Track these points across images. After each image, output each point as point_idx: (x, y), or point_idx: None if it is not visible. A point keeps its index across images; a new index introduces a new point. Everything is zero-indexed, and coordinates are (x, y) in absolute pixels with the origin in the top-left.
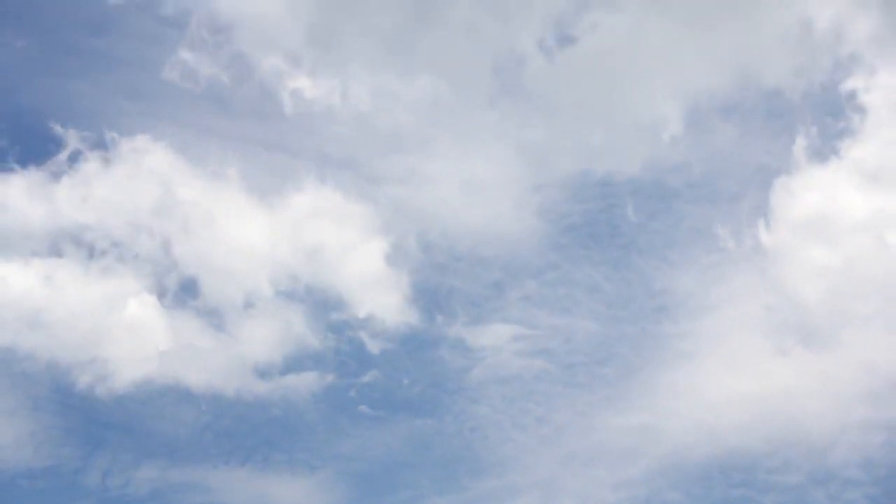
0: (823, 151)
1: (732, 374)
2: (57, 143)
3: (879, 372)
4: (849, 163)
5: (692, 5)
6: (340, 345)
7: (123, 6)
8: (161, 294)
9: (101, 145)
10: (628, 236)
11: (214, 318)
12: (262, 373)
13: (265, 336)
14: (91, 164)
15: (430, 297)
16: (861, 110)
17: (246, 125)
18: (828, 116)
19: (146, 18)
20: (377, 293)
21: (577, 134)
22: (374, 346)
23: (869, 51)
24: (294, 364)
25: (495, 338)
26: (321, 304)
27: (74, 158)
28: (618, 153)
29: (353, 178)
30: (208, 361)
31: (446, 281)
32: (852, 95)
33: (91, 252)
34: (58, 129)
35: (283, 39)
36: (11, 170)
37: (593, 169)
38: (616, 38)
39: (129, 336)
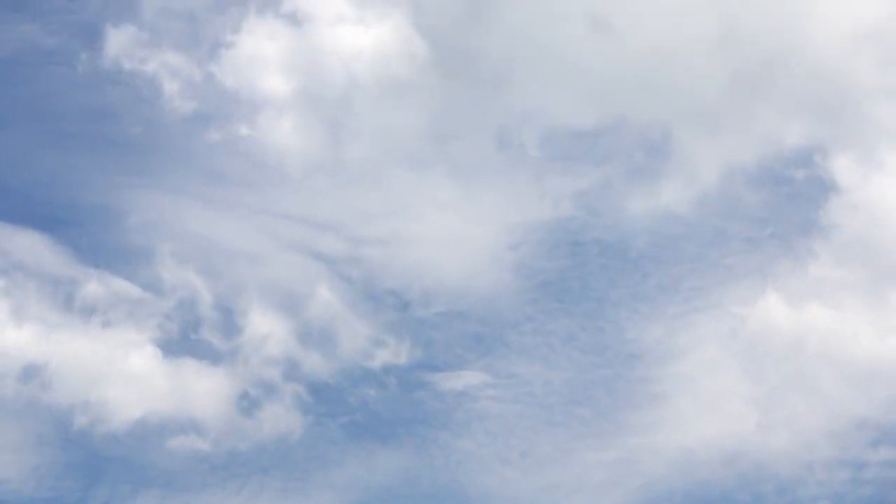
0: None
1: (702, 414)
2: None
3: (843, 413)
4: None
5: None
6: (328, 389)
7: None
8: (163, 345)
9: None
10: (599, 291)
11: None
12: (251, 409)
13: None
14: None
15: (411, 349)
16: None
17: (237, 191)
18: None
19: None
20: (362, 347)
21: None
22: (359, 389)
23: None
24: (284, 403)
25: (477, 382)
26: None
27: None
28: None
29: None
30: (203, 399)
31: (425, 333)
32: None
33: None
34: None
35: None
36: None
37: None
38: None
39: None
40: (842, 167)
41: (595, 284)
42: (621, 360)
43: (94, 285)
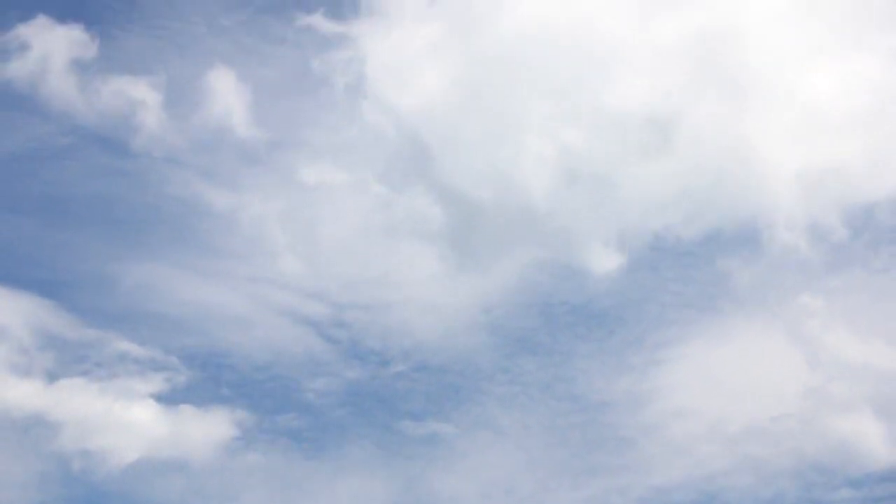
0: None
1: (669, 457)
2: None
3: (804, 455)
4: None
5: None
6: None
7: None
8: (160, 398)
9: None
10: (569, 346)
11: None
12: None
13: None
14: None
15: (390, 399)
16: None
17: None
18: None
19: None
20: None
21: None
22: (346, 436)
23: None
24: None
25: (456, 428)
26: None
27: None
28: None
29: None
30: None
31: (403, 385)
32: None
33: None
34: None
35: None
36: None
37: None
38: None
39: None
40: None
41: (564, 340)
42: (593, 408)
43: (95, 344)
